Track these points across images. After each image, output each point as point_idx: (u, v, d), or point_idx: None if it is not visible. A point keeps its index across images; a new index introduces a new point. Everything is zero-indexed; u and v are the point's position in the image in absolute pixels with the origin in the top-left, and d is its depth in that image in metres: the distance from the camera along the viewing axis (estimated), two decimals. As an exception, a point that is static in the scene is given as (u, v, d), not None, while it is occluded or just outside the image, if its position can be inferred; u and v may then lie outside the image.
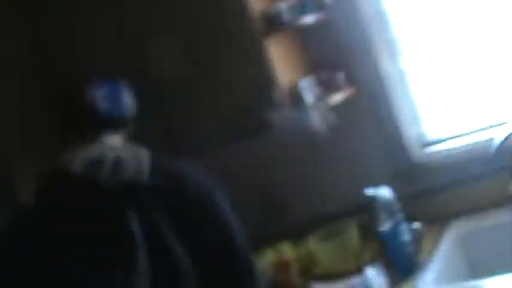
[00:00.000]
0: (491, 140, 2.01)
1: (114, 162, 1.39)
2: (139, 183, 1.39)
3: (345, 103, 2.28)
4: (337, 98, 2.26)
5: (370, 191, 2.06)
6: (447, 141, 2.33)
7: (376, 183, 2.10)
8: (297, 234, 2.34)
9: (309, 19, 2.22)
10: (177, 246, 1.37)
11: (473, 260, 2.14)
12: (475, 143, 2.24)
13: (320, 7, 2.26)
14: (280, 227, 2.43)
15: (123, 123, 1.51)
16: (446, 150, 2.30)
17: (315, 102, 2.19)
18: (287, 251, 2.25)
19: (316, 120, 2.17)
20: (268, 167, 2.45)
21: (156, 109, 2.12)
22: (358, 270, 1.98)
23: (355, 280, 1.94)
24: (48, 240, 1.32)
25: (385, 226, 2.01)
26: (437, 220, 2.21)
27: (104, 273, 1.30)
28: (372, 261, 2.03)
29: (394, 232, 2.00)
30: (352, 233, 2.17)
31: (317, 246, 2.18)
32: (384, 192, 2.05)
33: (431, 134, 2.36)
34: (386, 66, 2.33)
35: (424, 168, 2.31)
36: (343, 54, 2.33)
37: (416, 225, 2.09)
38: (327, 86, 2.27)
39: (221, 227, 1.45)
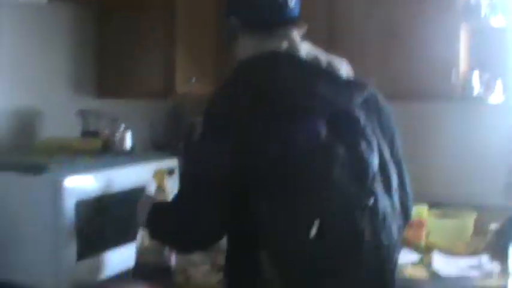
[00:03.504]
0: None
1: (328, 61, 1.34)
2: (355, 82, 1.36)
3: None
4: (492, 100, 2.43)
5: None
6: None
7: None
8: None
9: (496, 21, 2.38)
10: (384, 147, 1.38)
11: None
12: None
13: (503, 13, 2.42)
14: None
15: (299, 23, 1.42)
16: None
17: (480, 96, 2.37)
18: (424, 213, 2.35)
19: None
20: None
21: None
22: (468, 254, 2.17)
23: (471, 260, 2.13)
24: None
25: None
26: None
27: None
28: (482, 251, 2.21)
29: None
30: (468, 221, 2.36)
31: (433, 220, 2.36)
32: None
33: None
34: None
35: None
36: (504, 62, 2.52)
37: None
38: (486, 87, 2.43)
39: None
